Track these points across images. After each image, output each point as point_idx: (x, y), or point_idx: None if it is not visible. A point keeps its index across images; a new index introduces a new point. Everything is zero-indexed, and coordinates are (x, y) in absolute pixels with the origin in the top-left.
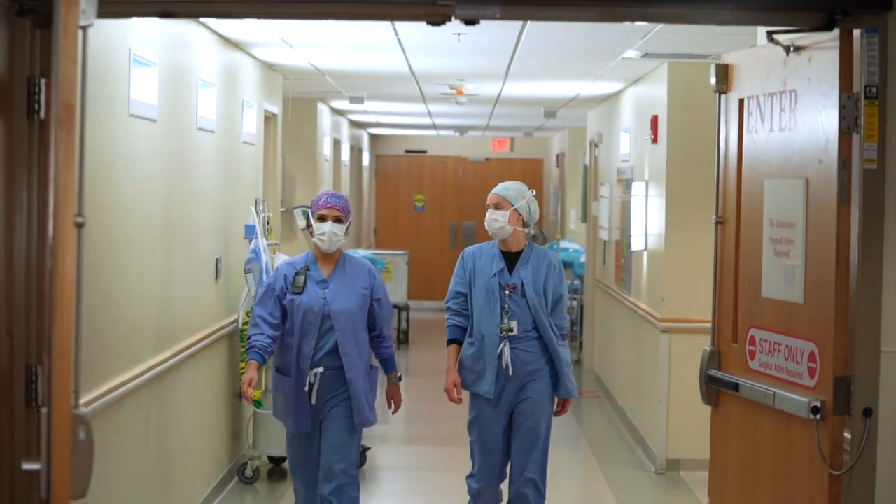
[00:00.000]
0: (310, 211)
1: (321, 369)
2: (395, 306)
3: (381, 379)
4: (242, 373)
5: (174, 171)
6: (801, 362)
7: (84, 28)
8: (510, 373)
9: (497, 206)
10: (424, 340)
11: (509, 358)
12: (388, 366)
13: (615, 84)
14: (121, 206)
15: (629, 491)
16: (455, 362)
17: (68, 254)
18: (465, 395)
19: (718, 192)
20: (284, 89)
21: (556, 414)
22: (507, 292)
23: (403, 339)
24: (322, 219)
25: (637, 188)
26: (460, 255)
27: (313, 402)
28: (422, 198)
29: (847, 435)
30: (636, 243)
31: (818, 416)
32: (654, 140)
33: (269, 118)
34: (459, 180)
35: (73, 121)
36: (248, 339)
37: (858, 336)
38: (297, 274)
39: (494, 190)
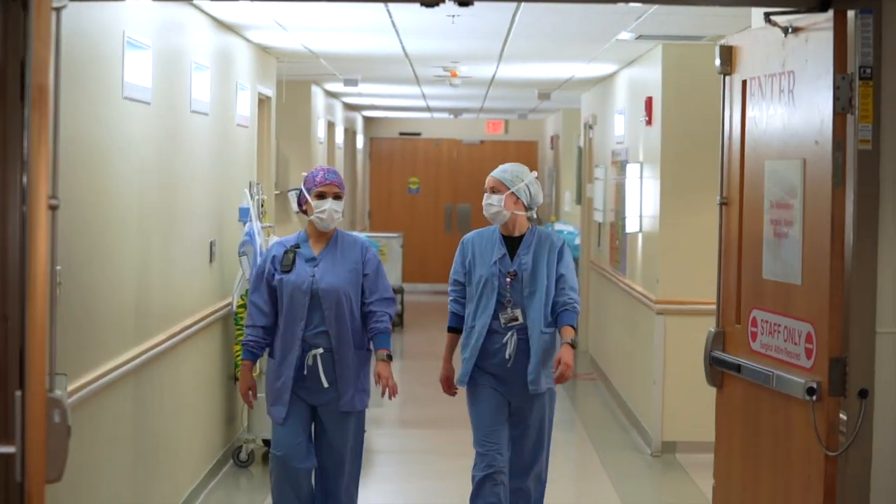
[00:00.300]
0: (303, 188)
1: (321, 350)
2: None
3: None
4: (238, 357)
5: (168, 154)
6: (798, 343)
7: (57, 10)
8: (510, 362)
9: (493, 190)
10: (419, 323)
11: (514, 348)
12: (377, 341)
13: (609, 66)
14: (114, 189)
15: (625, 473)
16: (450, 353)
17: (41, 236)
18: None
19: (723, 174)
20: (278, 72)
21: (558, 380)
22: (507, 280)
23: (398, 322)
24: (321, 196)
25: (631, 170)
26: (460, 241)
27: (325, 384)
28: (416, 180)
29: (843, 416)
30: (631, 225)
31: (814, 398)
32: (649, 122)
33: (263, 101)
34: (454, 163)
35: (46, 102)
36: (245, 330)
37: (854, 317)
38: (286, 252)
39: (492, 173)
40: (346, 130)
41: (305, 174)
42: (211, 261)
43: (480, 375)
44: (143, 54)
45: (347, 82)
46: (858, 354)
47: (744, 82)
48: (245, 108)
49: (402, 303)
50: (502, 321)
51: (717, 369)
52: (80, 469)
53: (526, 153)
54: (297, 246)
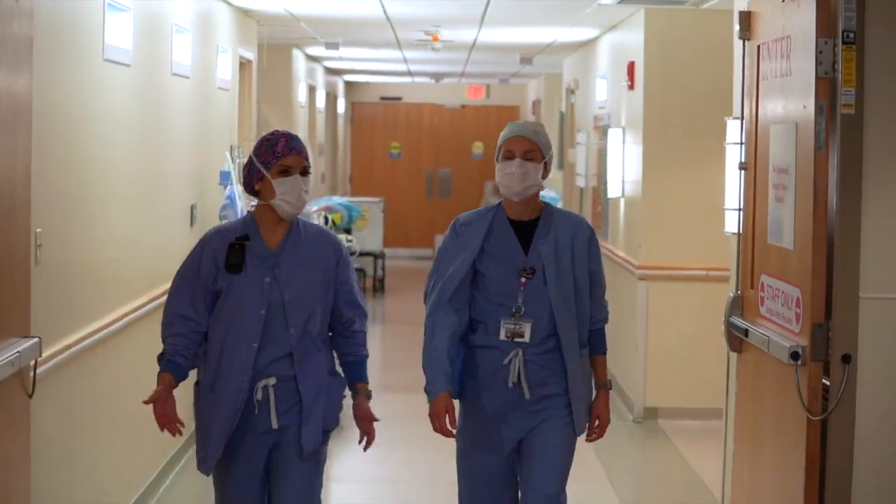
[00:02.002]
0: (255, 160)
1: (273, 381)
2: (370, 254)
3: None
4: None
5: (149, 117)
6: (791, 308)
7: None
8: (526, 393)
9: (528, 156)
10: (400, 289)
11: (521, 371)
12: (355, 373)
13: (592, 30)
14: (95, 152)
15: (607, 439)
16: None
17: None
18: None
19: (745, 138)
20: (259, 35)
21: (590, 439)
22: (521, 280)
23: (379, 286)
24: (285, 172)
25: (614, 135)
26: (450, 226)
27: (274, 426)
28: (397, 145)
29: (826, 381)
30: (613, 190)
31: (798, 362)
32: (631, 87)
33: (244, 64)
34: (435, 128)
35: None
36: (164, 341)
37: (838, 282)
38: (231, 247)
39: (517, 129)
40: (327, 95)
41: (257, 141)
42: (192, 224)
43: (476, 419)
44: (123, 16)
45: (329, 46)
46: (842, 319)
47: (758, 47)
48: (226, 71)
49: (383, 268)
50: (503, 331)
51: (735, 334)
52: (58, 433)
53: (508, 118)
54: (244, 237)
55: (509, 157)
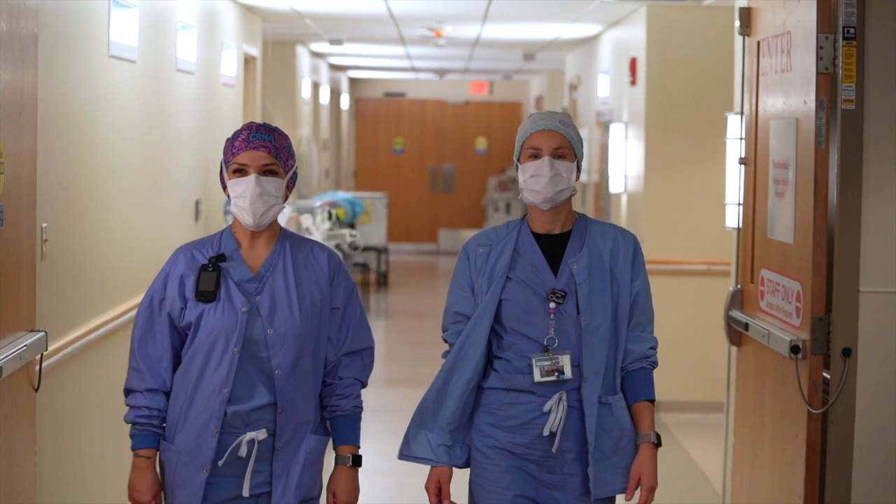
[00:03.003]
0: (222, 160)
1: (263, 434)
2: (374, 249)
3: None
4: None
5: (154, 113)
6: (791, 302)
7: None
8: (555, 445)
9: (559, 153)
10: (403, 283)
11: (562, 421)
12: (342, 431)
13: (594, 26)
14: (100, 147)
15: None
16: None
17: None
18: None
19: (745, 133)
20: (264, 32)
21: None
22: (551, 305)
23: (383, 281)
24: (240, 171)
25: (616, 130)
26: (462, 248)
27: (245, 494)
28: (401, 141)
29: (826, 375)
30: (615, 185)
31: (799, 356)
32: (633, 82)
33: (248, 61)
34: (438, 123)
35: None
36: (128, 400)
37: (838, 276)
38: (203, 269)
39: (544, 122)
40: (331, 91)
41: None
42: (196, 219)
43: (494, 450)
44: (128, 13)
45: (333, 42)
46: (842, 313)
47: (758, 43)
48: (231, 67)
49: (387, 263)
50: (538, 371)
51: (735, 328)
52: (64, 426)
53: (511, 114)
54: (220, 258)
55: (535, 155)
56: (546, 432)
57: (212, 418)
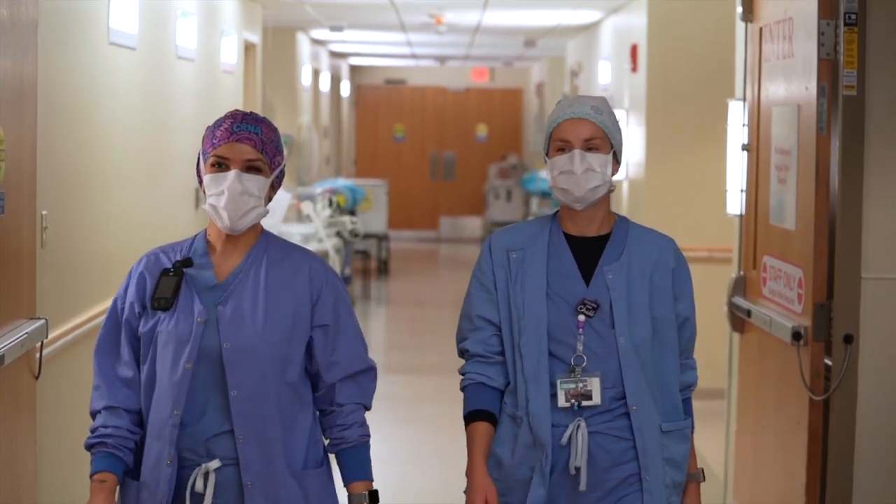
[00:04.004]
0: (200, 151)
1: (216, 464)
2: (375, 236)
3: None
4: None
5: (154, 100)
6: (793, 289)
7: None
8: (582, 483)
9: (590, 144)
10: (404, 270)
11: (584, 451)
12: (352, 467)
13: (595, 13)
14: (100, 135)
15: None
16: (482, 455)
17: None
18: None
19: (747, 120)
20: (264, 19)
21: None
22: (580, 318)
23: (383, 268)
24: (219, 166)
25: (617, 116)
26: (485, 243)
27: None
28: (401, 128)
29: (828, 361)
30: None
31: (800, 342)
32: (634, 69)
33: (248, 48)
34: (439, 110)
35: None
36: (93, 417)
37: (839, 262)
38: (164, 273)
39: (573, 109)
40: (331, 78)
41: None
42: (197, 207)
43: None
44: (129, 0)
45: (333, 28)
46: (844, 300)
47: (760, 29)
48: (231, 54)
49: (387, 250)
50: (562, 395)
51: (737, 315)
52: (64, 414)
53: (512, 101)
54: (186, 262)
55: (564, 148)
56: (572, 470)
57: (165, 445)
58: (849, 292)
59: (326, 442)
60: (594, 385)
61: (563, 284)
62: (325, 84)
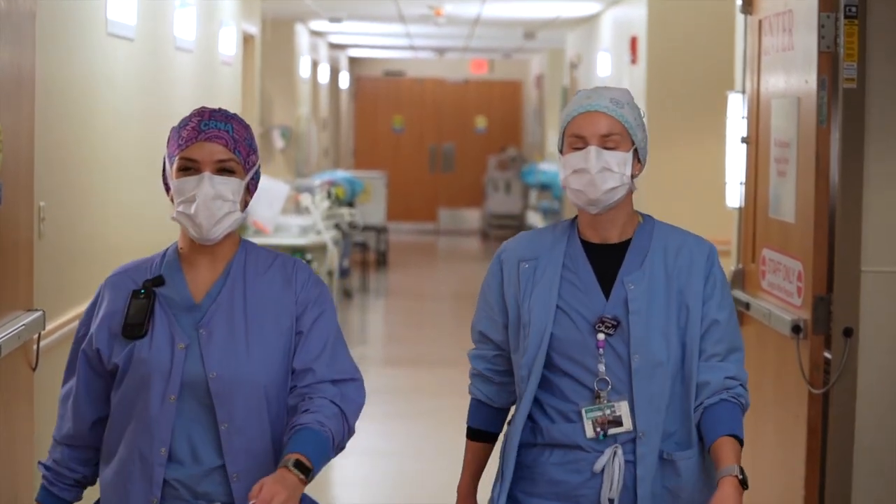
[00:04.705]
0: (165, 155)
1: None
2: (373, 228)
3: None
4: None
5: (152, 91)
6: (792, 282)
7: None
8: None
9: (608, 140)
10: (403, 263)
11: (619, 482)
12: (293, 440)
13: (594, 5)
14: (98, 126)
15: None
16: (470, 475)
17: None
18: None
19: (747, 112)
20: (263, 10)
21: None
22: (599, 337)
23: (382, 260)
24: (188, 169)
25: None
26: (496, 257)
27: None
28: (400, 119)
29: (828, 355)
30: None
31: (800, 336)
32: (634, 61)
33: (247, 39)
34: (438, 102)
35: None
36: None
37: (839, 256)
38: (135, 296)
39: (590, 101)
40: (330, 69)
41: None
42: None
43: None
44: None
45: (332, 19)
46: (843, 293)
47: (760, 21)
48: (229, 46)
49: (386, 242)
50: (589, 425)
51: (736, 308)
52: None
53: (511, 93)
54: (157, 280)
55: (579, 145)
56: (604, 502)
57: (149, 487)
58: (848, 285)
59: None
60: (623, 409)
61: (580, 299)
62: (323, 76)
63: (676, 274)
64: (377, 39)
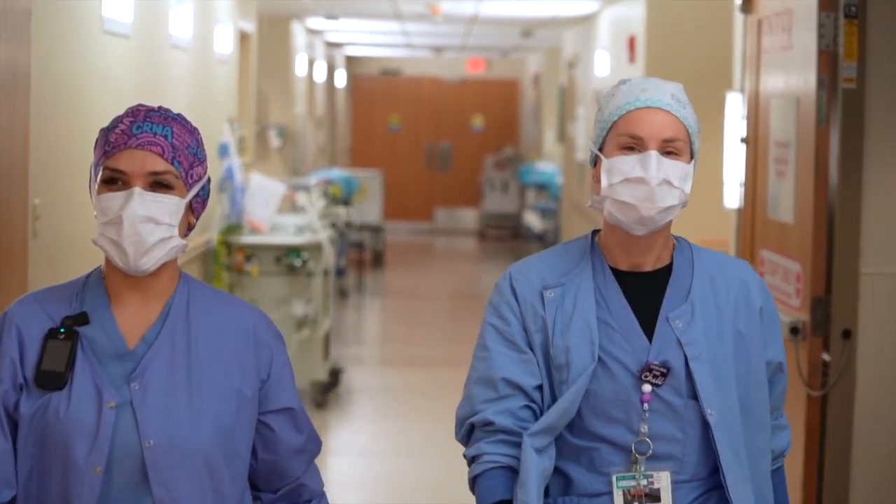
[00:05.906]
0: (92, 163)
1: None
2: (369, 227)
3: None
4: None
5: (148, 89)
6: (790, 283)
7: None
8: None
9: (672, 148)
10: (399, 262)
11: None
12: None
13: (592, 3)
14: (93, 123)
15: None
16: None
17: None
18: None
19: (746, 112)
20: (259, 8)
21: None
22: (645, 389)
23: (378, 260)
24: (112, 182)
25: None
26: (503, 280)
27: None
28: (397, 118)
29: (827, 357)
30: None
31: (798, 337)
32: (632, 60)
33: (243, 37)
34: (435, 101)
35: None
36: None
37: (838, 257)
38: (51, 335)
39: (652, 96)
40: (326, 68)
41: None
42: None
43: None
44: None
45: (329, 16)
46: (842, 295)
47: (759, 21)
48: (225, 43)
49: (382, 241)
50: (619, 497)
51: None
52: None
53: (508, 92)
54: (79, 318)
55: (633, 146)
56: None
57: None
58: (847, 287)
59: None
60: (663, 483)
61: (617, 341)
62: (320, 74)
63: (731, 311)
64: (374, 37)
